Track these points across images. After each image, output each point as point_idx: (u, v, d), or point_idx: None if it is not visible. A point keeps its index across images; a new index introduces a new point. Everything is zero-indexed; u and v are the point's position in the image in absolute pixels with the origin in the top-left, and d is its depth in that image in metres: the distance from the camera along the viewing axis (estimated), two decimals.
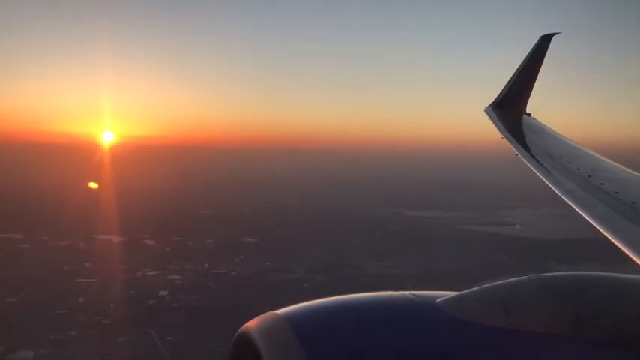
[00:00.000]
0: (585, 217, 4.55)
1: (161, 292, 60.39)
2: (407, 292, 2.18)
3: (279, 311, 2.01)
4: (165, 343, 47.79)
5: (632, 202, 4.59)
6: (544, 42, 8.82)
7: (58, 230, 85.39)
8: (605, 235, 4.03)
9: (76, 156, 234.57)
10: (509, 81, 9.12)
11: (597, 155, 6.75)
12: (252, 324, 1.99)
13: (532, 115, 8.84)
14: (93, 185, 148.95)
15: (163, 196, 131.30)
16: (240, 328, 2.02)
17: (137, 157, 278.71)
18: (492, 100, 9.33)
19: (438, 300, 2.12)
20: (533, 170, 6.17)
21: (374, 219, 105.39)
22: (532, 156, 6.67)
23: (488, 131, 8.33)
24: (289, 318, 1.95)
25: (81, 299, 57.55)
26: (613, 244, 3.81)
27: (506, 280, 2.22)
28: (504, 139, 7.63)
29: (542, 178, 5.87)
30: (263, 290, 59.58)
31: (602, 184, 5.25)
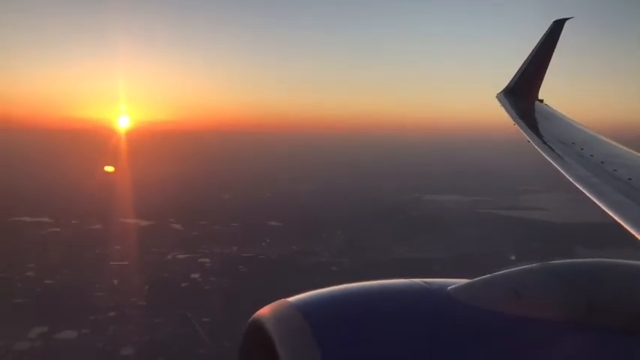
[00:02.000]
0: (598, 203, 4.55)
1: (193, 275, 61.54)
2: (418, 280, 2.18)
3: (291, 299, 2.03)
4: (202, 324, 48.82)
5: None
6: (557, 27, 8.71)
7: (85, 214, 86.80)
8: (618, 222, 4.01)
9: (93, 141, 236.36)
10: (521, 67, 9.08)
11: (610, 141, 6.73)
12: (264, 312, 2.01)
13: (544, 102, 8.83)
14: (113, 170, 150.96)
15: (184, 180, 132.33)
16: (252, 316, 2.05)
17: (153, 142, 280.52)
18: (504, 87, 9.25)
19: (450, 287, 2.12)
20: (545, 157, 6.18)
21: (395, 203, 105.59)
22: (544, 142, 6.66)
23: (504, 116, 8.36)
24: (301, 306, 1.97)
25: (115, 282, 58.78)
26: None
27: (518, 268, 2.22)
28: (516, 126, 7.65)
29: (554, 164, 5.87)
30: (293, 274, 60.25)
31: (615, 170, 5.22)
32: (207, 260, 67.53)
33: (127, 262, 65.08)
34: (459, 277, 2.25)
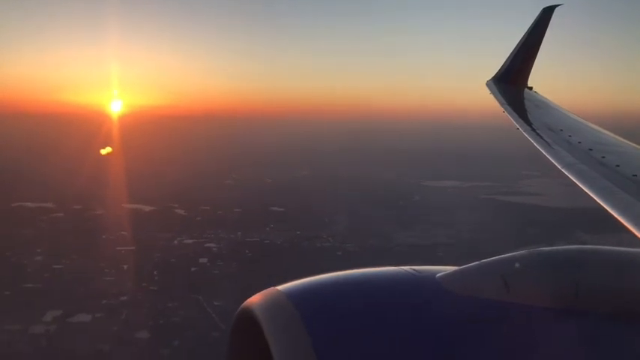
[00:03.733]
0: (586, 190, 4.57)
1: (201, 260, 62.10)
2: (407, 268, 2.20)
3: (281, 287, 2.04)
4: (214, 307, 49.44)
5: (634, 175, 4.66)
6: (546, 14, 8.72)
7: (87, 200, 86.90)
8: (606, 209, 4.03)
9: (87, 126, 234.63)
10: (510, 54, 9.08)
11: (599, 128, 6.78)
12: (254, 300, 2.02)
13: (534, 89, 8.85)
14: (110, 153, 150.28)
15: (182, 166, 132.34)
16: (243, 304, 2.05)
17: (148, 127, 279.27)
18: (494, 74, 9.20)
19: (438, 275, 2.14)
20: (534, 143, 6.19)
21: (395, 189, 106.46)
22: (533, 129, 6.68)
23: (494, 103, 8.28)
24: (291, 294, 1.98)
25: (124, 266, 59.16)
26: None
27: (505, 255, 2.25)
28: (506, 113, 7.62)
29: (542, 151, 5.87)
30: (299, 259, 60.99)
31: (603, 157, 5.27)
32: (213, 245, 68.06)
33: (133, 248, 65.41)
34: (455, 264, 2.27)
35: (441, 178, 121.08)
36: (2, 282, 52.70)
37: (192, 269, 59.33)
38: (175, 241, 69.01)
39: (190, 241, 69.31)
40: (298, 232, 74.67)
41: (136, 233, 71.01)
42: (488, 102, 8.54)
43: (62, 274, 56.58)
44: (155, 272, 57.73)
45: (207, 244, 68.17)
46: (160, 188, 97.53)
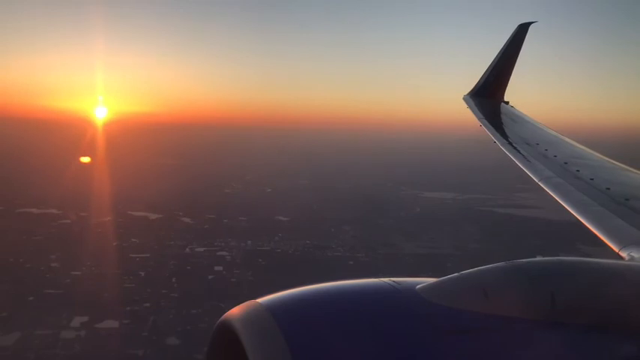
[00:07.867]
0: (562, 203, 4.74)
1: (216, 268, 62.81)
2: (387, 279, 2.20)
3: (261, 300, 2.04)
4: None
5: (607, 188, 4.85)
6: (521, 30, 9.04)
7: (92, 207, 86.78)
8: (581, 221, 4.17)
9: (72, 132, 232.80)
10: (487, 69, 9.39)
11: (573, 142, 7.07)
12: (233, 312, 2.02)
13: (510, 104, 9.20)
14: (96, 161, 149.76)
15: (177, 174, 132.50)
16: (222, 317, 2.06)
17: (136, 134, 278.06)
18: (471, 89, 9.65)
19: (418, 287, 2.14)
20: (511, 157, 6.38)
21: (395, 199, 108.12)
22: (510, 143, 6.91)
23: (472, 117, 8.69)
24: (270, 306, 1.97)
25: (142, 273, 59.69)
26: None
27: (484, 267, 2.26)
28: (483, 127, 7.92)
29: (519, 165, 6.07)
30: (313, 267, 62.06)
31: (578, 170, 5.50)
32: (226, 253, 68.75)
33: (148, 255, 65.97)
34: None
35: (438, 189, 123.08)
36: (24, 288, 53.05)
37: (210, 277, 60.01)
38: (187, 249, 69.59)
39: (202, 249, 69.93)
40: (307, 242, 75.66)
41: (147, 241, 71.65)
42: (469, 115, 8.88)
43: (81, 280, 56.78)
44: (173, 279, 58.32)
45: (220, 253, 68.87)
46: (161, 196, 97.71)
